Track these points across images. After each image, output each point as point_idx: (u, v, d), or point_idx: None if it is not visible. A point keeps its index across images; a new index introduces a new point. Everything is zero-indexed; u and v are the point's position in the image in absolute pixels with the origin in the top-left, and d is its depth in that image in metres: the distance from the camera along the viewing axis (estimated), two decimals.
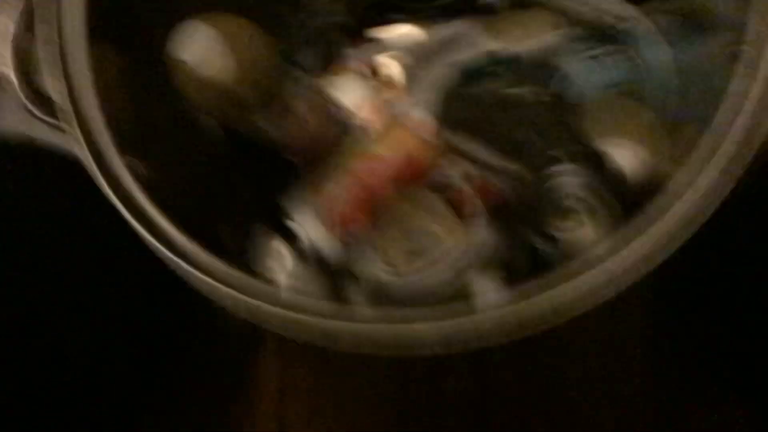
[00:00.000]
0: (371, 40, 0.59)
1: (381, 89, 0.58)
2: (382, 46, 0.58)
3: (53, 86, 0.38)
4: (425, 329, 0.37)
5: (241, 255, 0.52)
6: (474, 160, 0.48)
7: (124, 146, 0.37)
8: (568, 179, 0.39)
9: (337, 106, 0.56)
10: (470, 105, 0.49)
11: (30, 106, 0.40)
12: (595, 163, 0.39)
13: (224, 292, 0.37)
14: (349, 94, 0.59)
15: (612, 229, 0.39)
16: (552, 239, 0.40)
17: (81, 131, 0.36)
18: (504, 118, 0.45)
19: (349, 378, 0.73)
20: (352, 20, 0.59)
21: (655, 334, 0.57)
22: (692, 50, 0.54)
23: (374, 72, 0.59)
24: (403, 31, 0.58)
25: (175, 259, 0.37)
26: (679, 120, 0.54)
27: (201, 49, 0.39)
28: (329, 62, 0.58)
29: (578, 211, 0.39)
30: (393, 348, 0.37)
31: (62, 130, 0.38)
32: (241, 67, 0.40)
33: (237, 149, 0.50)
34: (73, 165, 0.47)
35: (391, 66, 0.58)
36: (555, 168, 0.39)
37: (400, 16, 0.58)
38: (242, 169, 0.52)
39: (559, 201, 0.39)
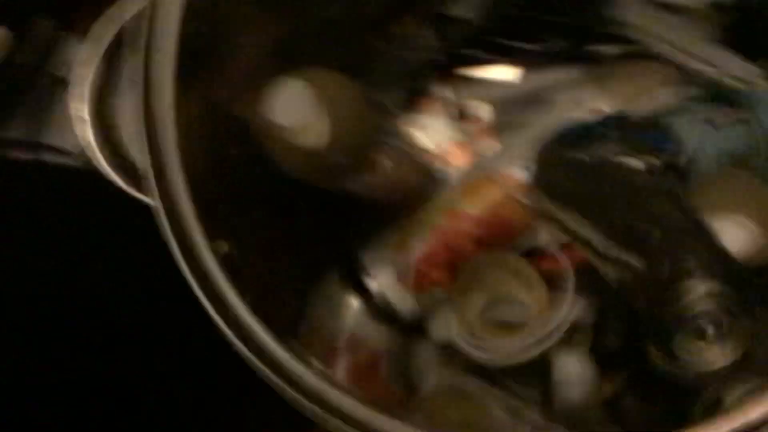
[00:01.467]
0: (465, 79, 0.54)
1: (470, 134, 0.54)
2: (476, 88, 0.54)
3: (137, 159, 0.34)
4: None
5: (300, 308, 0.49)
6: (580, 241, 0.44)
7: (209, 225, 0.33)
8: (700, 298, 0.34)
9: (423, 153, 0.52)
10: (577, 177, 0.44)
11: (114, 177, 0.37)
12: (734, 281, 0.35)
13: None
14: (435, 134, 0.54)
15: (739, 354, 0.34)
16: (670, 354, 0.36)
17: (167, 217, 0.33)
18: (619, 204, 0.40)
19: None
20: (444, 56, 0.54)
21: None
22: None
23: (464, 114, 0.54)
24: (501, 74, 0.54)
25: (258, 364, 0.33)
26: None
27: (299, 114, 0.35)
28: (417, 99, 0.54)
29: (706, 332, 0.34)
30: None
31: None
32: (337, 134, 0.36)
33: (315, 199, 0.46)
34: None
35: (484, 110, 0.54)
36: (685, 283, 0.34)
37: (500, 57, 0.54)
38: (318, 219, 0.48)
39: (684, 319, 0.35)
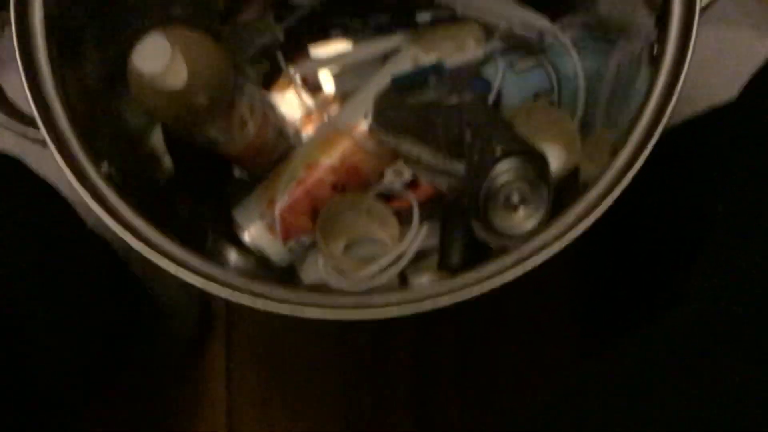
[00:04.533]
0: (309, 56, 0.62)
1: (319, 101, 0.62)
2: (319, 62, 0.62)
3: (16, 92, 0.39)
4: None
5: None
6: (413, 161, 0.52)
7: (90, 149, 0.39)
8: (502, 170, 0.43)
9: (278, 116, 0.59)
10: (406, 111, 0.52)
11: None
12: (525, 153, 0.44)
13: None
14: (290, 106, 0.62)
15: (542, 215, 0.43)
16: (491, 227, 0.44)
17: (48, 133, 0.39)
18: (438, 121, 0.49)
19: (296, 356, 0.77)
20: (290, 37, 0.62)
21: (576, 300, 0.64)
22: (600, 60, 0.59)
23: (313, 86, 0.62)
24: (339, 47, 0.62)
25: (138, 243, 0.39)
26: (592, 121, 0.59)
27: (160, 61, 0.41)
28: (270, 77, 0.62)
29: (512, 198, 0.43)
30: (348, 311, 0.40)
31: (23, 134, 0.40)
32: (196, 78, 0.42)
33: (187, 161, 0.53)
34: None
35: (326, 78, 0.62)
36: (488, 161, 0.43)
37: (337, 32, 0.62)
38: (194, 180, 0.54)
39: (496, 192, 0.43)
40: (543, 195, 0.43)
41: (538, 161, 0.44)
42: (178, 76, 0.42)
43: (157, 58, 0.41)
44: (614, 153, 0.43)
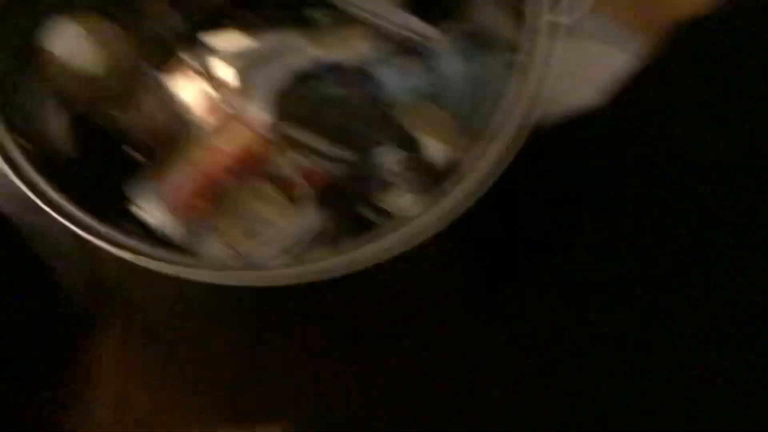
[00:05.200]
0: (205, 45, 0.65)
1: (215, 88, 0.65)
2: (215, 51, 0.65)
3: None
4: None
5: None
6: (307, 149, 0.56)
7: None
8: (387, 158, 0.48)
9: (179, 103, 0.62)
10: (300, 102, 0.57)
11: None
12: (408, 144, 0.49)
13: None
14: (187, 92, 0.65)
15: (424, 196, 0.48)
16: (378, 209, 0.49)
17: None
18: (331, 113, 0.53)
19: (194, 340, 0.79)
20: (186, 26, 0.65)
21: (453, 276, 0.70)
22: (478, 63, 0.65)
23: (208, 73, 0.65)
24: (232, 38, 0.65)
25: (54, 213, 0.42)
26: (472, 119, 0.65)
27: (71, 43, 0.44)
28: (166, 64, 0.64)
29: (397, 183, 0.48)
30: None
31: None
32: (104, 60, 0.45)
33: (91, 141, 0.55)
34: None
35: (224, 68, 0.65)
36: (376, 150, 0.48)
37: (231, 23, 0.65)
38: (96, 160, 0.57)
39: (381, 177, 0.48)
40: (423, 181, 0.48)
41: (416, 151, 0.49)
42: (84, 59, 0.45)
43: (66, 40, 0.44)
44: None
